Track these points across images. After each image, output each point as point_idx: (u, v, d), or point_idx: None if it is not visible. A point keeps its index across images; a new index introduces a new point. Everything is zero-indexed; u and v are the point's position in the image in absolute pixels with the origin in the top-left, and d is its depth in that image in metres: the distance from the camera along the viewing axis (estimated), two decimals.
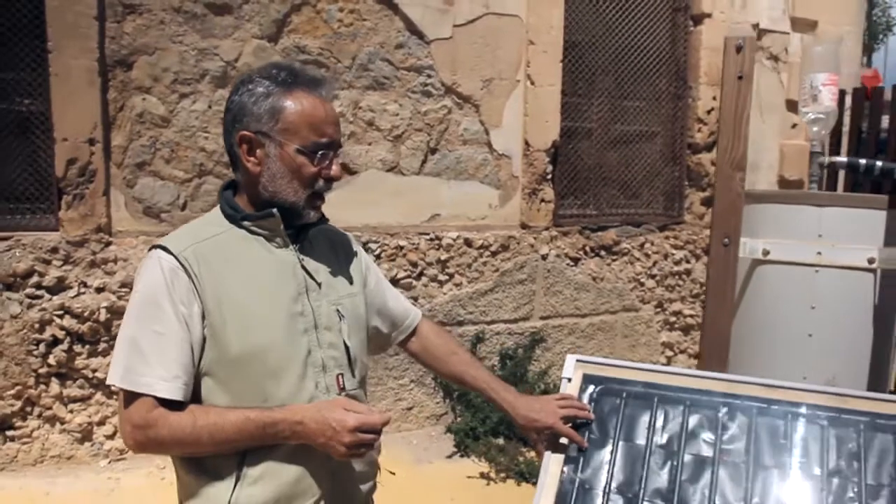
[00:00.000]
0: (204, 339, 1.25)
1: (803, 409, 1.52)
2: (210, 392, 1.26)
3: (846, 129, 4.28)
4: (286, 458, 1.27)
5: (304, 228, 1.37)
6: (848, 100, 4.23)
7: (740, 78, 1.52)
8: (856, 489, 1.41)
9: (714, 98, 4.65)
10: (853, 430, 1.48)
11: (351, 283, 1.45)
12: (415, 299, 4.06)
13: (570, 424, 1.52)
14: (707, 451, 1.51)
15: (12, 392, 3.33)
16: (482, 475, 3.50)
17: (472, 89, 4.10)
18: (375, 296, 1.55)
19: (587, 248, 4.47)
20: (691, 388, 1.61)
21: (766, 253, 1.75)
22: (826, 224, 1.78)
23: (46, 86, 3.32)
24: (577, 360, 1.68)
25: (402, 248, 4.01)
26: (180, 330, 1.22)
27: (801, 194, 2.04)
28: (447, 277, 4.14)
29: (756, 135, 3.97)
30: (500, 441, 3.80)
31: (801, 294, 1.78)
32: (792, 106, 4.92)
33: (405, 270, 4.02)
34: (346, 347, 1.37)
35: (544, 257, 4.33)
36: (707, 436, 1.53)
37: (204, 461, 1.27)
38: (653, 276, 4.66)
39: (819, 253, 1.73)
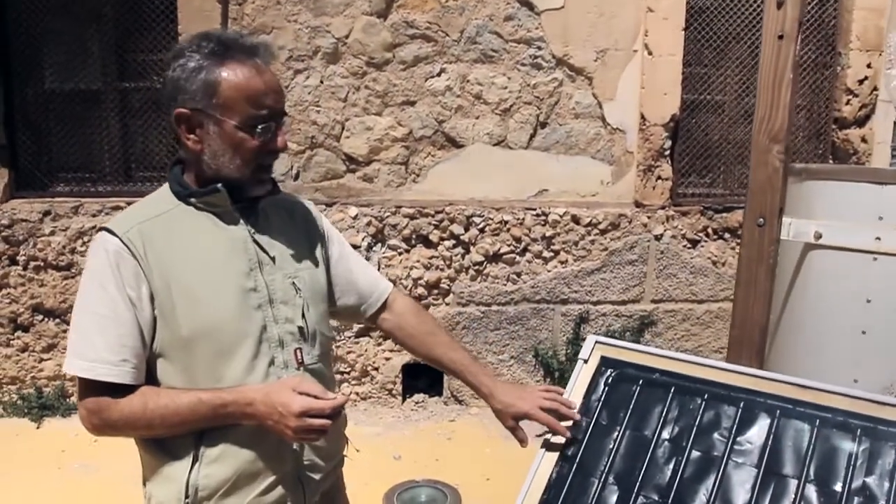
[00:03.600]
0: (155, 321, 1.22)
1: (834, 416, 1.35)
2: (165, 373, 1.25)
3: None
4: (245, 437, 1.25)
5: (255, 201, 1.32)
6: None
7: (780, 38, 1.33)
8: None
9: (869, 66, 4.13)
10: (890, 445, 1.30)
11: (309, 254, 1.41)
12: (517, 275, 4.04)
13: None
14: (717, 451, 1.39)
15: None
16: None
17: (584, 61, 3.95)
18: (339, 267, 1.50)
19: (709, 230, 4.18)
20: (713, 381, 1.49)
21: (818, 236, 1.53)
22: (888, 204, 1.51)
23: None
24: (597, 342, 1.60)
25: (506, 222, 3.99)
26: (127, 312, 1.20)
27: (860, 170, 1.77)
28: (552, 254, 4.06)
29: None
30: None
31: (856, 285, 1.53)
32: None
33: (508, 245, 4.00)
34: (304, 321, 1.33)
35: (658, 238, 4.11)
36: (720, 434, 1.41)
37: (163, 441, 1.26)
38: None
39: (878, 238, 1.48)
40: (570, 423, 1.42)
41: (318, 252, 1.45)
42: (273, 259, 1.32)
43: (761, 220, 1.40)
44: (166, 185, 1.32)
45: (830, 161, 4.30)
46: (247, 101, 1.22)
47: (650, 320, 4.17)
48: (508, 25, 3.87)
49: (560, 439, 1.43)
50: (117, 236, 1.21)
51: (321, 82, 3.79)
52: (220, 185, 1.25)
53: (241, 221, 1.30)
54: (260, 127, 1.23)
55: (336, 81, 3.81)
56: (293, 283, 1.34)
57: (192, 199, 1.28)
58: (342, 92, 3.82)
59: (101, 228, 1.25)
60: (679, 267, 4.15)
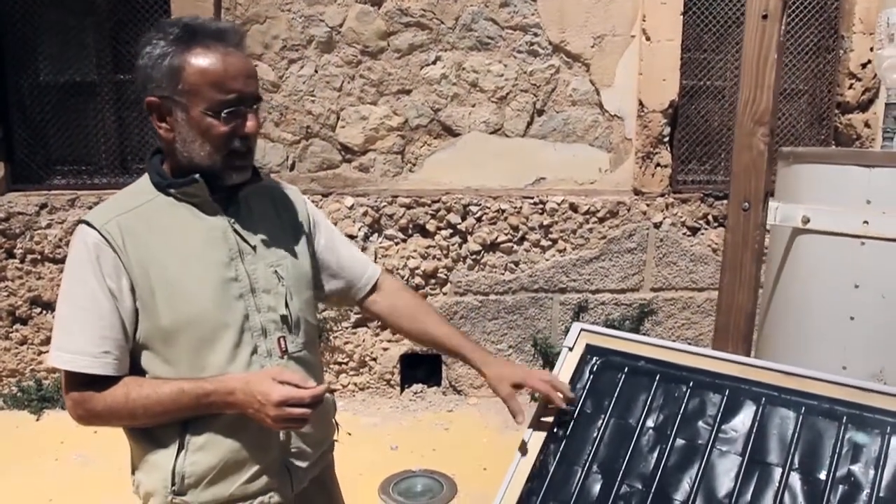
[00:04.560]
0: (136, 312, 1.24)
1: (820, 403, 1.33)
2: (150, 363, 1.26)
3: None
4: (230, 426, 1.26)
5: (235, 190, 1.31)
6: None
7: (764, 17, 1.30)
8: (864, 501, 1.21)
9: (872, 49, 4.06)
10: (877, 432, 1.28)
11: (293, 241, 1.40)
12: (515, 264, 4.01)
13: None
14: (701, 439, 1.38)
15: None
16: None
17: (581, 47, 3.91)
18: (326, 253, 1.50)
19: (709, 217, 4.14)
20: (698, 369, 1.47)
21: (805, 220, 1.49)
22: (876, 188, 1.47)
23: None
24: (582, 329, 1.59)
25: (503, 211, 3.96)
26: (107, 304, 1.21)
27: (848, 153, 1.72)
28: (550, 243, 4.03)
29: None
30: None
31: (844, 270, 1.50)
32: None
33: (505, 234, 3.98)
34: (287, 309, 1.33)
35: (657, 225, 4.07)
36: (704, 422, 1.40)
37: (150, 430, 1.27)
38: None
39: (866, 222, 1.44)
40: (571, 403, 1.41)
41: (303, 239, 1.44)
42: (254, 248, 1.32)
43: (746, 204, 1.37)
44: (146, 176, 1.31)
45: (833, 146, 4.25)
46: (211, 85, 1.20)
47: (650, 309, 4.13)
48: (504, 12, 3.83)
49: (550, 418, 1.42)
50: (96, 229, 1.21)
51: (315, 72, 3.77)
52: (197, 175, 1.24)
53: (221, 211, 1.30)
54: (226, 111, 1.22)
55: (330, 71, 3.78)
56: (275, 271, 1.34)
57: (171, 190, 1.27)
58: (337, 81, 3.80)
59: (81, 221, 1.25)
60: (679, 255, 4.12)
